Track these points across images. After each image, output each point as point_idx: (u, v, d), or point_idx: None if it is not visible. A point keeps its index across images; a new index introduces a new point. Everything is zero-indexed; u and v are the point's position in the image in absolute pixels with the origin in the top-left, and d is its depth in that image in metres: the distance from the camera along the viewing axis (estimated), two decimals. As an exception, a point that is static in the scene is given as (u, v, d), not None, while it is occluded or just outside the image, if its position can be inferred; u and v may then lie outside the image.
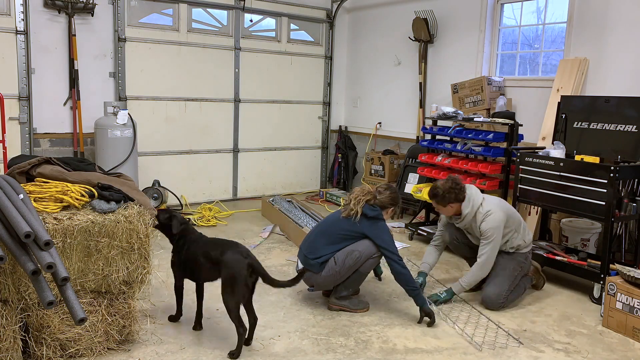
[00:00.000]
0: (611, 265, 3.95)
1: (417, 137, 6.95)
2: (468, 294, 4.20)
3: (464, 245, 4.23)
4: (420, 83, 6.89)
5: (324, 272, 3.73)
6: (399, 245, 5.50)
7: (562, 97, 4.94)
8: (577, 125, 4.74)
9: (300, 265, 3.85)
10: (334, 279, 3.76)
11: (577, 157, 4.44)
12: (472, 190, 4.01)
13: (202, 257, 3.29)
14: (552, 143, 4.79)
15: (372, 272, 4.07)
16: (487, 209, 3.90)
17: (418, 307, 3.67)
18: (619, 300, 3.61)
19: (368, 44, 7.93)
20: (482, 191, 5.17)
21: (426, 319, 3.64)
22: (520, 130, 5.10)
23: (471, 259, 4.19)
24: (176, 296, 3.55)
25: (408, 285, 3.65)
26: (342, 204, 6.67)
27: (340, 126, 8.38)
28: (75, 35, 5.91)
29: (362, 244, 3.76)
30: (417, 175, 6.23)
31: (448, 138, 5.58)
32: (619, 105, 4.46)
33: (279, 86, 7.66)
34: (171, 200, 6.68)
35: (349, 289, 3.80)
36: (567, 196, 4.24)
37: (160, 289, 3.96)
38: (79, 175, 3.21)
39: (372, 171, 7.41)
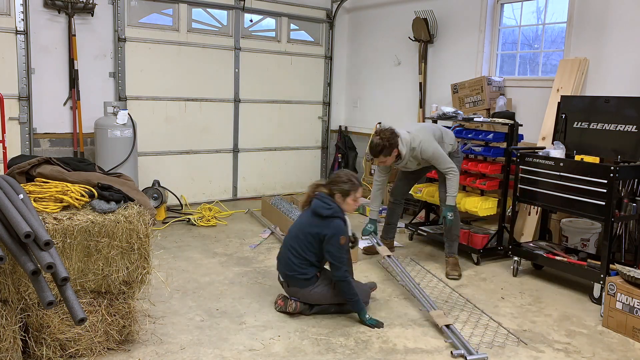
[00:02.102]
0: (611, 265, 3.95)
1: (417, 137, 6.94)
2: (468, 291, 4.21)
3: (402, 204, 5.14)
4: (420, 83, 6.89)
5: (317, 289, 3.69)
6: (395, 243, 5.50)
7: (562, 97, 4.94)
8: (577, 125, 4.74)
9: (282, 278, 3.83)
10: (324, 300, 3.74)
11: (577, 157, 4.44)
12: (401, 131, 4.47)
13: None
14: (552, 143, 4.79)
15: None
16: (417, 140, 4.43)
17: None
18: (619, 300, 3.61)
19: (368, 44, 7.92)
20: (482, 192, 5.22)
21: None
22: (520, 130, 5.10)
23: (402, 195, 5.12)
24: None
25: (347, 294, 3.62)
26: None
27: (340, 126, 8.38)
28: (75, 35, 5.91)
29: (362, 289, 3.83)
30: (417, 175, 6.22)
31: (448, 138, 5.57)
32: (619, 105, 4.46)
33: (279, 86, 7.66)
34: (171, 200, 6.68)
35: (330, 310, 3.78)
36: (567, 196, 4.24)
37: (160, 289, 3.96)
38: (79, 175, 3.21)
39: (372, 171, 7.41)
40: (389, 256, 4.49)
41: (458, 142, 5.40)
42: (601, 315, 3.79)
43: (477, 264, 4.97)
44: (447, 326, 3.50)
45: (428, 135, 4.48)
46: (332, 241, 3.61)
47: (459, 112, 5.48)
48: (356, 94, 8.21)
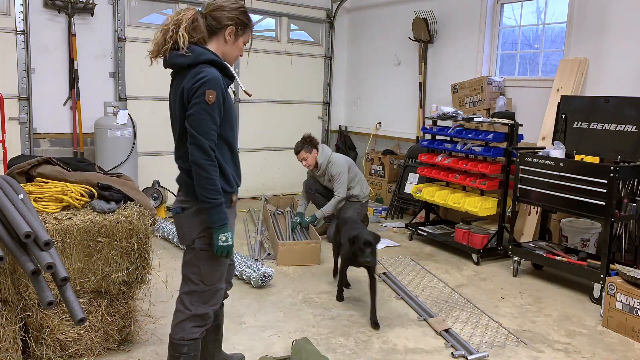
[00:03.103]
0: (611, 265, 3.95)
1: (417, 137, 6.95)
2: (468, 291, 4.21)
3: (316, 194, 5.73)
4: (420, 83, 6.89)
5: None
6: (393, 243, 5.50)
7: (562, 97, 4.94)
8: (577, 125, 4.74)
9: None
10: None
11: (577, 157, 4.44)
12: (324, 146, 5.53)
13: None
14: (552, 143, 4.79)
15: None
16: (334, 158, 5.46)
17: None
18: (619, 300, 3.61)
19: (368, 44, 7.92)
20: (482, 192, 5.23)
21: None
22: (520, 130, 5.10)
23: (319, 204, 5.64)
24: None
25: (201, 186, 2.38)
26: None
27: (340, 126, 8.38)
28: (75, 35, 5.91)
29: None
30: (417, 176, 6.23)
31: (448, 138, 5.58)
32: (618, 105, 4.46)
33: (279, 86, 7.66)
34: (171, 200, 6.67)
35: None
36: (567, 196, 4.24)
37: (160, 289, 3.96)
38: (79, 175, 3.21)
39: (372, 171, 7.41)
40: (384, 273, 4.54)
41: (459, 141, 5.42)
42: (601, 315, 3.79)
43: (477, 264, 4.97)
44: (446, 330, 3.50)
45: (344, 162, 5.46)
46: (195, 96, 2.27)
47: (459, 112, 5.48)
48: (356, 94, 8.21)
